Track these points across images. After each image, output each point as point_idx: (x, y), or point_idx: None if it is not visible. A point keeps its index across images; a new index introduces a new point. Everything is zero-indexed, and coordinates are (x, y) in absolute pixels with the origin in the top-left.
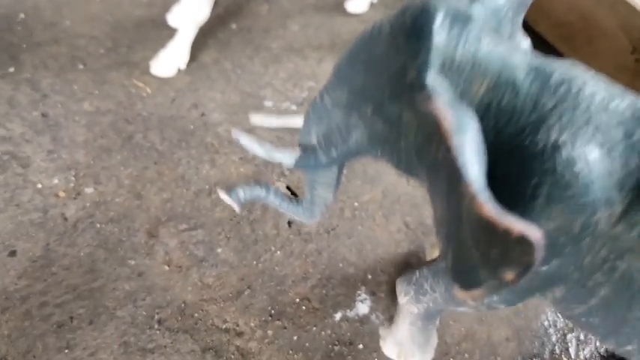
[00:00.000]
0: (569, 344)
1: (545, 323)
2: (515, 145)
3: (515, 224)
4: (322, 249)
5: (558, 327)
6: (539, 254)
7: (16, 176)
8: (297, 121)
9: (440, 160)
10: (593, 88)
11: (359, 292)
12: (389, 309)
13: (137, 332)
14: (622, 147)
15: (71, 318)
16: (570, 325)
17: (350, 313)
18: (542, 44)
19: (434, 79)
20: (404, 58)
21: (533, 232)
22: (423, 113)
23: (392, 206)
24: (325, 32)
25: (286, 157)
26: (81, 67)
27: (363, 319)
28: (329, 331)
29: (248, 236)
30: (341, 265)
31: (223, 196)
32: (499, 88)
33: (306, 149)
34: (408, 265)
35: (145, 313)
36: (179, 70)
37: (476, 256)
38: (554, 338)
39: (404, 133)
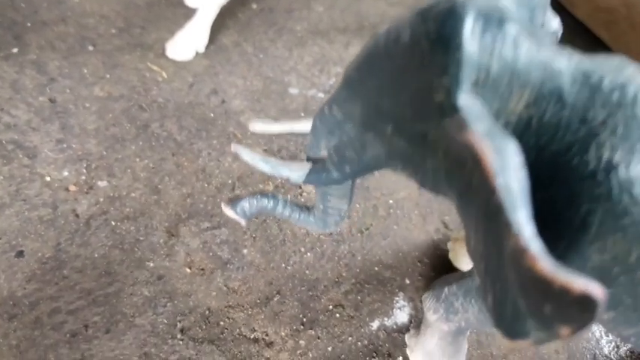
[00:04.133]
0: (624, 358)
1: (597, 334)
2: (561, 166)
3: (575, 283)
4: (356, 251)
5: (610, 338)
6: (599, 311)
7: (23, 168)
8: (302, 127)
9: (475, 186)
10: None
11: (397, 298)
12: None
13: (158, 342)
14: None
15: (86, 326)
16: None
17: (388, 322)
18: (581, 30)
19: (467, 101)
20: (429, 73)
21: (594, 290)
22: (454, 139)
23: (429, 204)
24: (352, 14)
25: (294, 173)
26: (90, 48)
27: (402, 329)
28: (366, 342)
29: (275, 236)
30: (376, 268)
31: (227, 210)
32: (541, 101)
33: (316, 163)
34: (449, 269)
35: (166, 321)
36: (197, 54)
37: (522, 305)
38: (606, 350)
39: (430, 154)
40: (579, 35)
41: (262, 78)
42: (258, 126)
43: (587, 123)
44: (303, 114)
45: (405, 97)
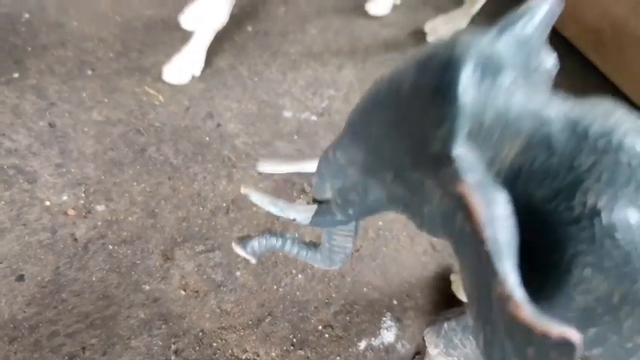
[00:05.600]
0: None
1: None
2: (548, 211)
3: (553, 329)
4: (345, 272)
5: None
6: (577, 354)
7: (23, 192)
8: (308, 167)
9: (467, 234)
10: (636, 138)
11: (384, 318)
12: (415, 337)
13: None
14: None
15: (83, 349)
16: None
17: (375, 342)
18: (570, 51)
19: (461, 152)
20: (427, 124)
21: (571, 335)
22: (448, 189)
23: None
24: (345, 36)
25: (301, 215)
26: (89, 72)
27: (389, 348)
28: None
29: (268, 258)
30: (365, 289)
31: (238, 250)
32: (532, 149)
33: (322, 205)
34: (436, 289)
35: (160, 342)
36: (193, 77)
37: (509, 347)
38: None
39: (427, 200)
40: (568, 56)
41: (257, 101)
42: (266, 166)
43: (575, 170)
44: (296, 137)
45: (404, 146)
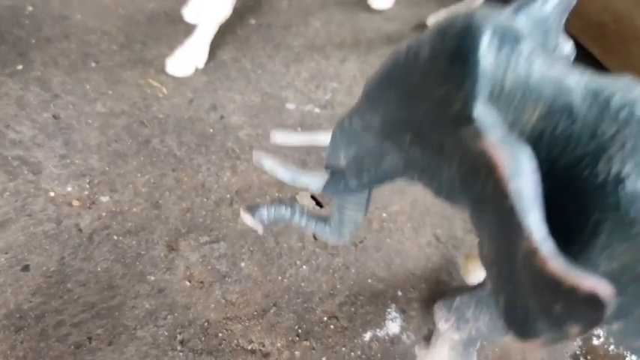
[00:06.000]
0: None
1: (582, 343)
2: (572, 177)
3: (584, 281)
4: (350, 263)
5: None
6: (608, 311)
7: (28, 183)
8: (323, 139)
9: (489, 194)
10: None
11: (389, 310)
12: (420, 328)
13: (159, 354)
14: None
15: (89, 338)
16: (609, 345)
17: (380, 333)
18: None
19: (482, 111)
20: (447, 86)
21: (603, 289)
22: (469, 147)
23: (421, 218)
24: (348, 29)
25: (313, 182)
26: (93, 64)
27: (394, 339)
28: (359, 352)
29: (272, 249)
30: (370, 280)
31: (246, 217)
32: (553, 115)
33: (335, 172)
34: (440, 281)
35: (166, 333)
36: (196, 69)
37: (534, 305)
38: (590, 357)
39: (446, 163)
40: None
41: (260, 94)
42: (280, 137)
43: (597, 138)
44: (299, 129)
45: (423, 109)
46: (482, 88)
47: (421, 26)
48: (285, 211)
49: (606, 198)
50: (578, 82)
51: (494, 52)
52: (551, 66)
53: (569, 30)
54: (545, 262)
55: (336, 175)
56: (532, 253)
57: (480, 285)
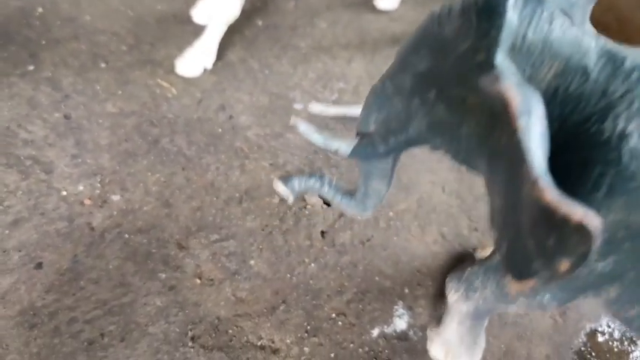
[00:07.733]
0: None
1: (586, 339)
2: (580, 133)
3: (575, 210)
4: (357, 261)
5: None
6: (596, 243)
7: (40, 182)
8: (355, 111)
9: (502, 146)
10: None
11: (396, 306)
12: (427, 325)
13: (170, 350)
14: None
15: (102, 335)
16: (613, 341)
17: (387, 329)
18: None
19: (503, 60)
20: (473, 37)
21: (592, 219)
22: (489, 95)
23: (427, 216)
24: (354, 30)
25: (343, 146)
26: (103, 65)
27: (401, 336)
28: (367, 348)
29: (281, 247)
30: (377, 278)
31: (278, 185)
32: (568, 73)
33: (363, 138)
34: (446, 278)
35: (177, 329)
36: (205, 70)
37: (531, 244)
38: (594, 354)
39: (467, 119)
40: None
41: (268, 94)
42: (316, 107)
43: (608, 96)
44: None
45: (450, 62)
46: (506, 39)
47: None
48: (314, 182)
49: (609, 153)
50: (595, 43)
51: (519, 8)
52: (570, 28)
53: None
54: (542, 191)
55: (364, 140)
56: (532, 183)
57: (488, 257)
